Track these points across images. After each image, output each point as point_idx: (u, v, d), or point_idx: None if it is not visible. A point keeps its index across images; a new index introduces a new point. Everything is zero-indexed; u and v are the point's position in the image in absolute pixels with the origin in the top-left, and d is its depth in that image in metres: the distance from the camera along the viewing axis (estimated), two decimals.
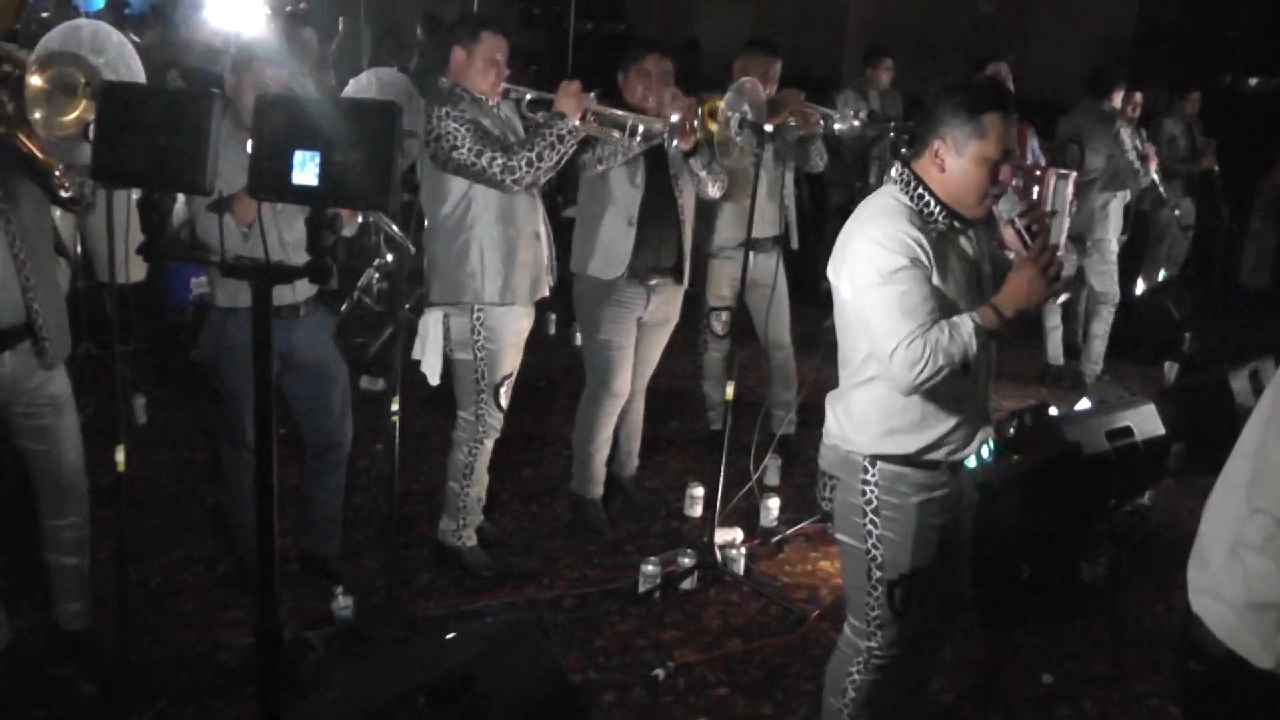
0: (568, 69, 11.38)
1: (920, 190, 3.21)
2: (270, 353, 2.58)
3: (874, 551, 3.31)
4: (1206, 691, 2.62)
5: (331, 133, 2.33)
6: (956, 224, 3.26)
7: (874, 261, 3.12)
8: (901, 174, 3.26)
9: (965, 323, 3.09)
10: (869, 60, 9.52)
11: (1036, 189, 6.21)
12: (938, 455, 3.29)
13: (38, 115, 3.54)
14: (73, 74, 3.62)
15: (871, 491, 3.29)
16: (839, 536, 3.44)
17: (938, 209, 3.20)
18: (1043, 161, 6.55)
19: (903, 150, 7.72)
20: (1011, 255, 3.34)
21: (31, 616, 4.33)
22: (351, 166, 2.32)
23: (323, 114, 2.36)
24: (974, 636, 4.81)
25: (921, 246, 3.12)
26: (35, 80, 3.53)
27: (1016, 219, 3.22)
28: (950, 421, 3.27)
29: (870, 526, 3.30)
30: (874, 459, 3.28)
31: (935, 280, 3.14)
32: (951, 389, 3.19)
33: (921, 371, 3.05)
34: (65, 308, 4.02)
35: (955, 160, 3.17)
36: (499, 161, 4.49)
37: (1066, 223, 6.40)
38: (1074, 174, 6.42)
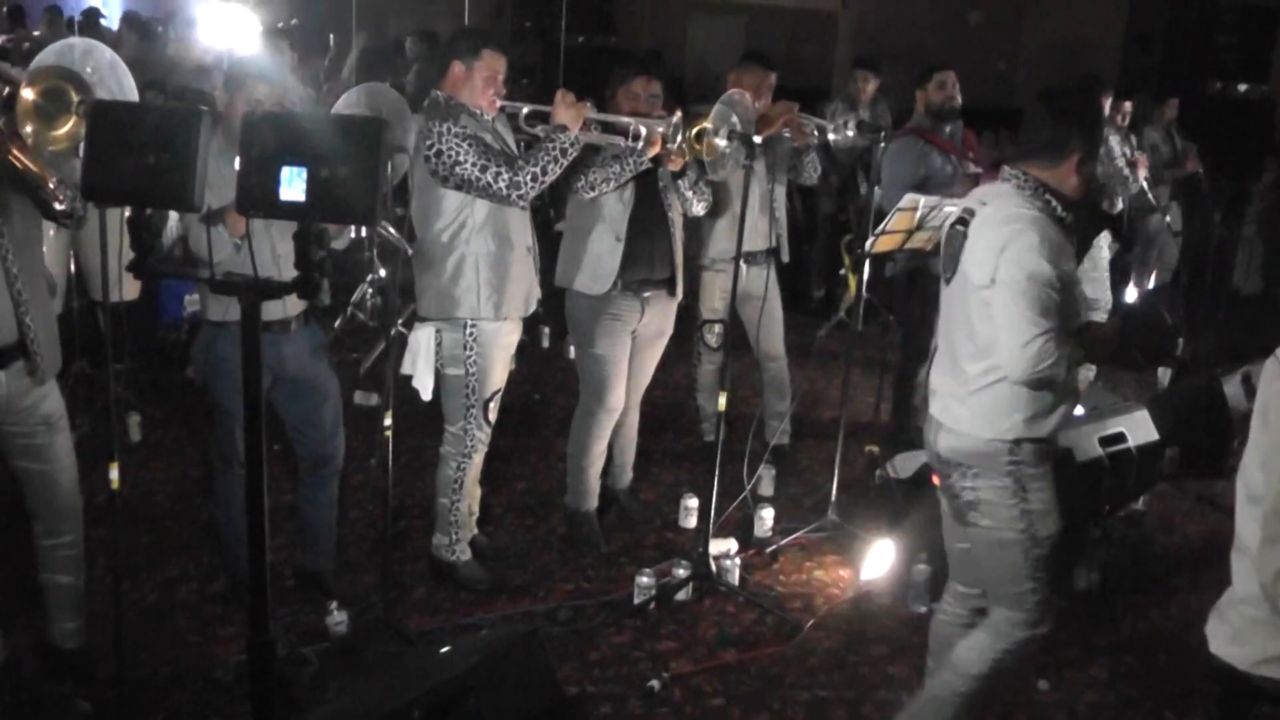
0: (559, 81, 11.42)
1: (1047, 195, 3.48)
2: (259, 368, 2.59)
3: (1029, 530, 3.53)
4: None
5: (318, 148, 2.34)
6: (1070, 221, 3.55)
7: (1027, 266, 3.36)
8: (1026, 180, 3.51)
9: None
10: (853, 73, 9.52)
11: None
12: (1056, 433, 3.60)
13: (29, 129, 3.55)
14: (65, 89, 3.64)
15: (1020, 470, 3.52)
16: (988, 532, 3.61)
17: (1063, 211, 3.49)
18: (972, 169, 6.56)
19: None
20: None
21: (27, 634, 4.32)
22: (339, 182, 2.33)
23: (310, 130, 2.37)
24: None
25: (1065, 253, 3.42)
26: (27, 94, 3.55)
27: None
28: (1069, 403, 3.59)
29: (1023, 505, 3.53)
30: (1018, 442, 3.51)
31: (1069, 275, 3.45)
32: (1071, 378, 3.53)
33: (1043, 367, 3.36)
34: (55, 322, 4.02)
35: (1086, 168, 3.50)
36: (504, 177, 4.48)
37: None
38: None
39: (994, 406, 3.53)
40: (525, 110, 4.82)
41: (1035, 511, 3.54)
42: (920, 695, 3.94)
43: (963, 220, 3.61)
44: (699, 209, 5.27)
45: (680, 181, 5.10)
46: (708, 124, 4.83)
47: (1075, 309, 3.52)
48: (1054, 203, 3.48)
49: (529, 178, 4.49)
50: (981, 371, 3.54)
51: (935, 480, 5.25)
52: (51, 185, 3.67)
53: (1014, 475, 3.53)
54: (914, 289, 6.58)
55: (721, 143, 4.82)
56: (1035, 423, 3.51)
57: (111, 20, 12.56)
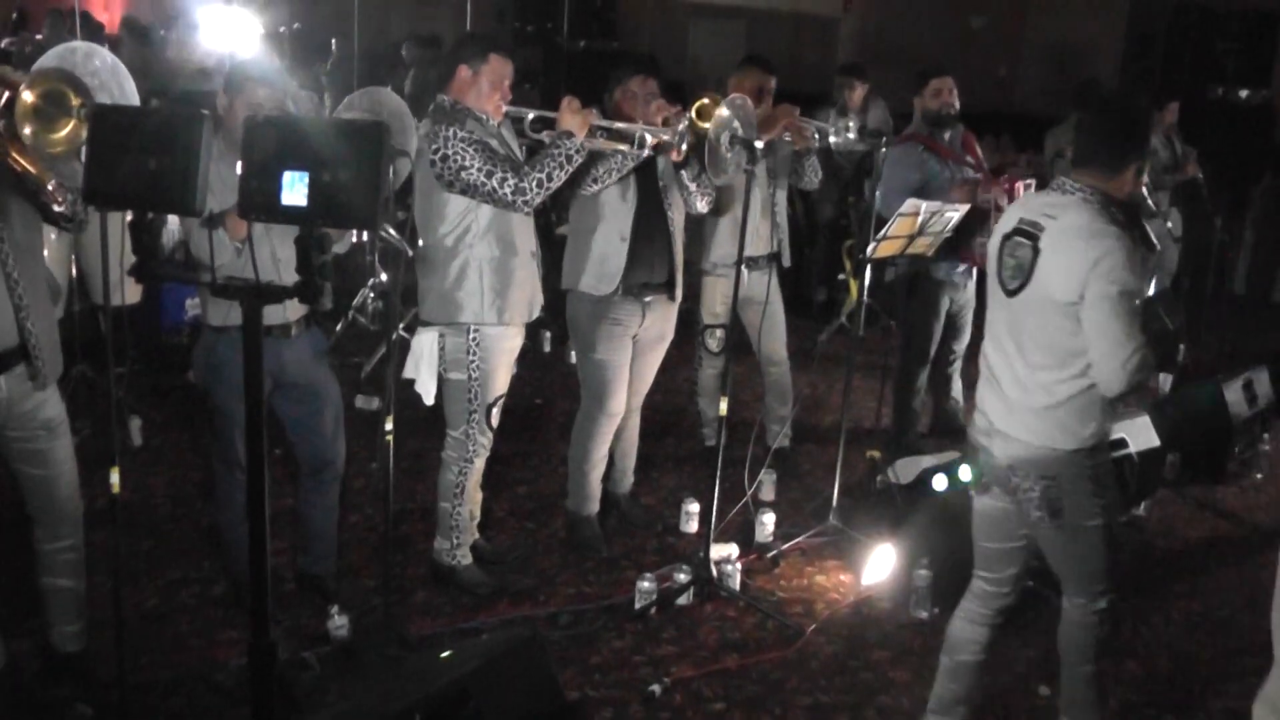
0: (561, 86, 11.43)
1: (1112, 208, 3.58)
2: (260, 372, 2.60)
3: (1106, 517, 3.73)
4: None
5: (320, 153, 2.35)
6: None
7: (1119, 281, 3.45)
8: (1093, 194, 3.60)
9: None
10: (839, 81, 9.50)
11: (1006, 201, 6.25)
12: None
13: (28, 131, 3.55)
14: (64, 91, 3.64)
15: (1098, 470, 3.70)
16: (1066, 527, 3.72)
17: (1124, 217, 3.60)
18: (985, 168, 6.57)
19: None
20: None
21: (27, 639, 4.32)
22: (340, 186, 2.33)
23: (311, 134, 2.37)
24: None
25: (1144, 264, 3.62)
26: (27, 96, 3.55)
27: None
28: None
29: (1100, 500, 3.70)
30: (1094, 449, 3.67)
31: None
32: None
33: (1139, 380, 3.52)
34: (56, 326, 4.02)
35: (1140, 178, 3.67)
36: (510, 183, 4.48)
37: None
38: (1034, 181, 6.48)
39: (1075, 417, 3.63)
40: (530, 116, 4.81)
41: (1109, 503, 3.75)
42: (1063, 689, 4.09)
43: (1025, 233, 3.66)
44: (703, 205, 5.26)
45: (683, 173, 5.08)
46: (711, 131, 4.81)
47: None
48: (1118, 214, 3.57)
49: (534, 184, 4.49)
50: (1061, 382, 3.62)
51: (935, 482, 5.29)
52: (51, 188, 3.67)
53: (1093, 477, 3.69)
54: (914, 293, 6.59)
55: (724, 146, 4.80)
56: (1107, 426, 3.72)
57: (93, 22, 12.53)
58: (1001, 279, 3.75)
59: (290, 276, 2.62)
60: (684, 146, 4.88)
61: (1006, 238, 3.71)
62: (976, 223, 6.27)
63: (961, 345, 6.90)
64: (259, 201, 2.42)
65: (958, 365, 7.01)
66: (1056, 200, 3.66)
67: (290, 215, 2.40)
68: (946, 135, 6.50)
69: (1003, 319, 3.78)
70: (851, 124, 6.07)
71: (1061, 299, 3.53)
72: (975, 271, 6.64)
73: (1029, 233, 3.63)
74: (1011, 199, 6.21)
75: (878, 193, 5.89)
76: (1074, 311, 3.51)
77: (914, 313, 6.64)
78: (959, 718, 4.10)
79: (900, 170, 6.34)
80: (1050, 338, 3.60)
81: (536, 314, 4.95)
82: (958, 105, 6.48)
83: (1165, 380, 8.08)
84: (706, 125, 4.80)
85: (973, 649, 4.04)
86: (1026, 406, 3.69)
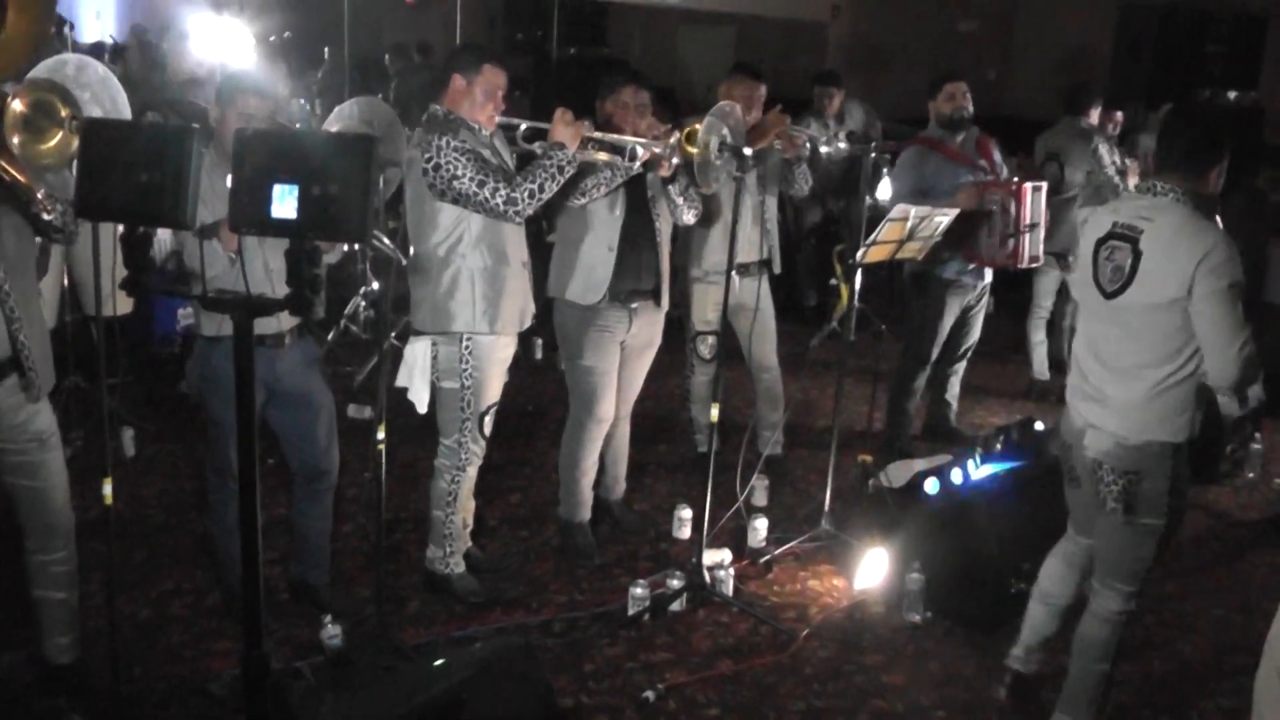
0: (552, 93, 11.44)
1: (1203, 206, 3.78)
2: (253, 383, 2.60)
3: (1171, 521, 3.90)
4: None
5: (309, 165, 2.35)
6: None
7: (1227, 275, 3.63)
8: (1184, 195, 3.78)
9: None
10: (815, 90, 9.53)
11: (1014, 204, 6.27)
12: None
13: (16, 140, 3.56)
14: (54, 102, 3.65)
15: (1177, 471, 3.85)
16: (1134, 523, 3.90)
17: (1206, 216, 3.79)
18: (1005, 173, 6.61)
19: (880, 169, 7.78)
20: None
21: (21, 650, 4.32)
22: (330, 199, 2.34)
23: (300, 147, 2.38)
24: (964, 650, 4.83)
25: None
26: (16, 105, 3.55)
27: None
28: None
29: (1172, 501, 3.87)
30: (1180, 446, 3.84)
31: None
32: None
33: (1250, 369, 3.67)
34: (48, 338, 4.02)
35: (1221, 180, 3.89)
36: (502, 193, 4.49)
37: (1043, 233, 6.47)
38: (1045, 184, 6.52)
39: (1169, 409, 3.80)
40: (523, 126, 4.82)
41: (1176, 507, 3.90)
42: (1068, 684, 4.20)
43: (1123, 236, 3.82)
44: (689, 217, 5.28)
45: (670, 188, 5.11)
46: (700, 137, 4.83)
47: None
48: (1208, 212, 3.79)
49: (526, 194, 4.50)
50: (1163, 377, 3.79)
51: (928, 486, 5.29)
52: (40, 197, 3.67)
53: (1172, 474, 3.85)
54: (921, 292, 6.60)
55: (712, 139, 4.82)
56: (1194, 423, 3.84)
57: (80, 32, 12.50)
58: (1099, 282, 3.90)
59: (284, 288, 2.63)
60: (673, 160, 4.90)
61: (1101, 242, 3.89)
62: (981, 224, 6.31)
63: (966, 348, 6.91)
64: (249, 214, 2.43)
65: (960, 369, 7.03)
66: (1150, 203, 3.84)
67: (280, 228, 2.41)
68: (959, 138, 6.52)
69: (1100, 320, 3.95)
70: (841, 132, 6.09)
71: (1168, 297, 3.70)
72: (989, 274, 6.65)
73: (1127, 236, 3.81)
74: (1019, 202, 6.25)
75: (868, 198, 5.91)
76: (1180, 307, 3.68)
77: (919, 313, 6.67)
78: (1038, 661, 4.45)
79: (904, 173, 6.44)
80: (1155, 335, 3.77)
81: (529, 323, 4.96)
82: (971, 109, 6.52)
83: None
84: (693, 150, 4.82)
85: (1063, 591, 4.33)
86: (1125, 402, 3.86)
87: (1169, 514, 3.89)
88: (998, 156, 6.69)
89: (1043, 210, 6.40)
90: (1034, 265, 6.59)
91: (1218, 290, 3.62)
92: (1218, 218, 4.09)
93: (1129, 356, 3.85)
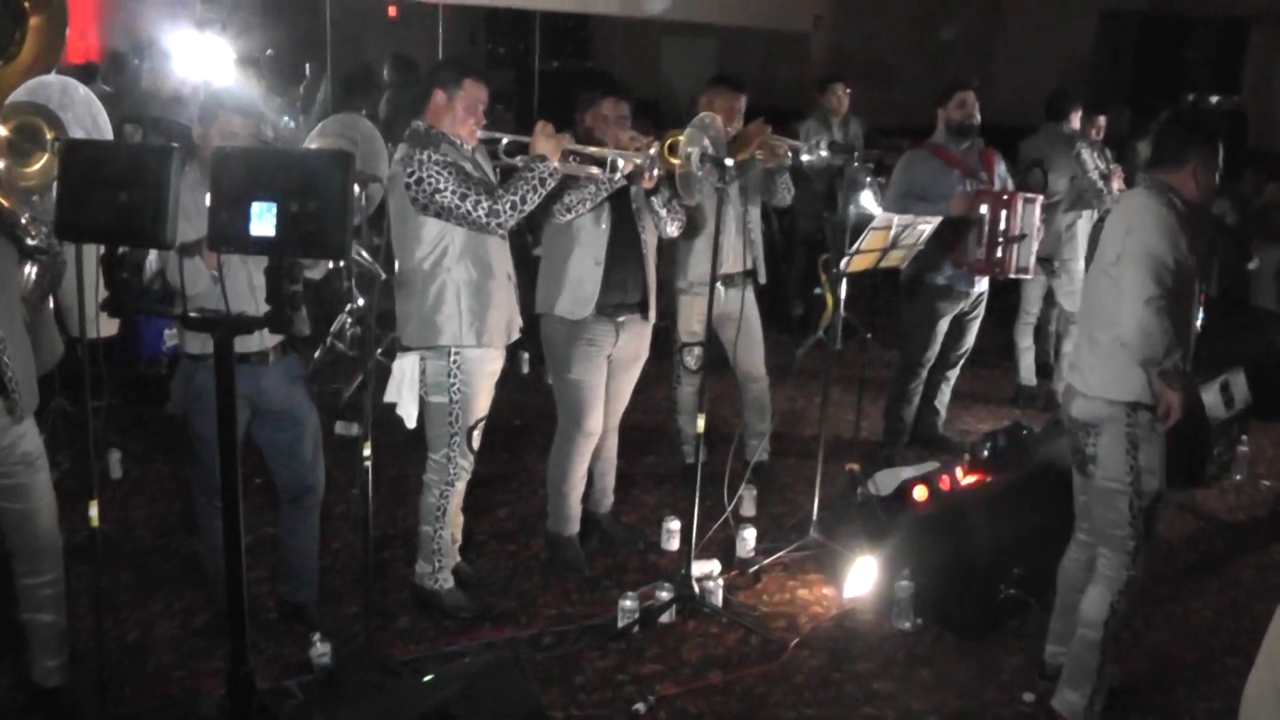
0: (534, 106, 11.45)
1: (1170, 195, 4.10)
2: (234, 402, 2.61)
3: (1134, 484, 4.14)
4: None
5: (287, 183, 2.36)
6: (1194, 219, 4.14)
7: (1144, 244, 4.00)
8: (1154, 183, 4.17)
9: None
10: (822, 89, 9.53)
11: (1005, 213, 6.30)
12: None
13: (1, 165, 3.55)
14: (38, 125, 3.65)
15: (1135, 432, 4.12)
16: (1102, 484, 4.21)
17: (1183, 207, 4.08)
18: (1010, 186, 6.65)
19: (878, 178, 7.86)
20: None
21: (9, 674, 4.31)
22: (309, 216, 2.34)
23: (278, 165, 2.39)
24: (954, 656, 4.84)
25: (1180, 239, 4.01)
26: (0, 131, 3.55)
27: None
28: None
29: (1131, 462, 4.13)
30: (1135, 407, 4.11)
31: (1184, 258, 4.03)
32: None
33: (1155, 326, 3.94)
34: (33, 358, 4.01)
35: (1202, 176, 4.12)
36: (484, 205, 4.50)
37: (1035, 245, 6.51)
38: (1040, 198, 6.57)
39: (1117, 371, 4.12)
40: (505, 140, 4.83)
41: (1142, 469, 4.13)
42: (1069, 652, 4.40)
43: (1103, 218, 4.40)
44: (673, 229, 5.29)
45: (654, 200, 5.11)
46: (682, 148, 4.85)
47: (1189, 295, 4.11)
48: (1175, 200, 4.08)
49: (508, 206, 4.51)
50: (1110, 340, 4.13)
51: (916, 493, 5.30)
52: (24, 221, 3.67)
53: (1129, 436, 4.12)
54: (913, 298, 6.63)
55: (693, 150, 4.83)
56: (1149, 390, 4.07)
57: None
58: (1088, 258, 4.47)
59: (265, 305, 2.63)
60: (655, 172, 4.91)
61: (1096, 224, 4.27)
62: (971, 232, 6.33)
63: (959, 353, 6.92)
64: (229, 233, 2.44)
65: (953, 373, 7.04)
66: (1130, 191, 4.44)
67: (259, 246, 2.41)
68: (964, 146, 6.56)
69: (1085, 291, 4.44)
70: (822, 141, 6.10)
71: (1108, 260, 4.14)
72: (985, 282, 6.67)
73: (1105, 216, 4.30)
74: (1010, 213, 6.29)
75: (851, 206, 5.92)
76: (1115, 271, 4.08)
77: (910, 319, 6.69)
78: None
79: (900, 175, 6.49)
80: (1102, 299, 4.17)
81: (515, 336, 4.96)
82: (979, 117, 6.56)
83: None
84: (675, 161, 4.84)
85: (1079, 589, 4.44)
86: (1088, 363, 4.24)
87: (1134, 481, 4.13)
88: (1001, 170, 6.72)
89: (1035, 222, 6.45)
90: (1022, 275, 6.62)
91: (1135, 255, 4.01)
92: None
93: (1090, 319, 4.30)
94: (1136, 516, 4.16)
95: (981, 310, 6.82)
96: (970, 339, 6.89)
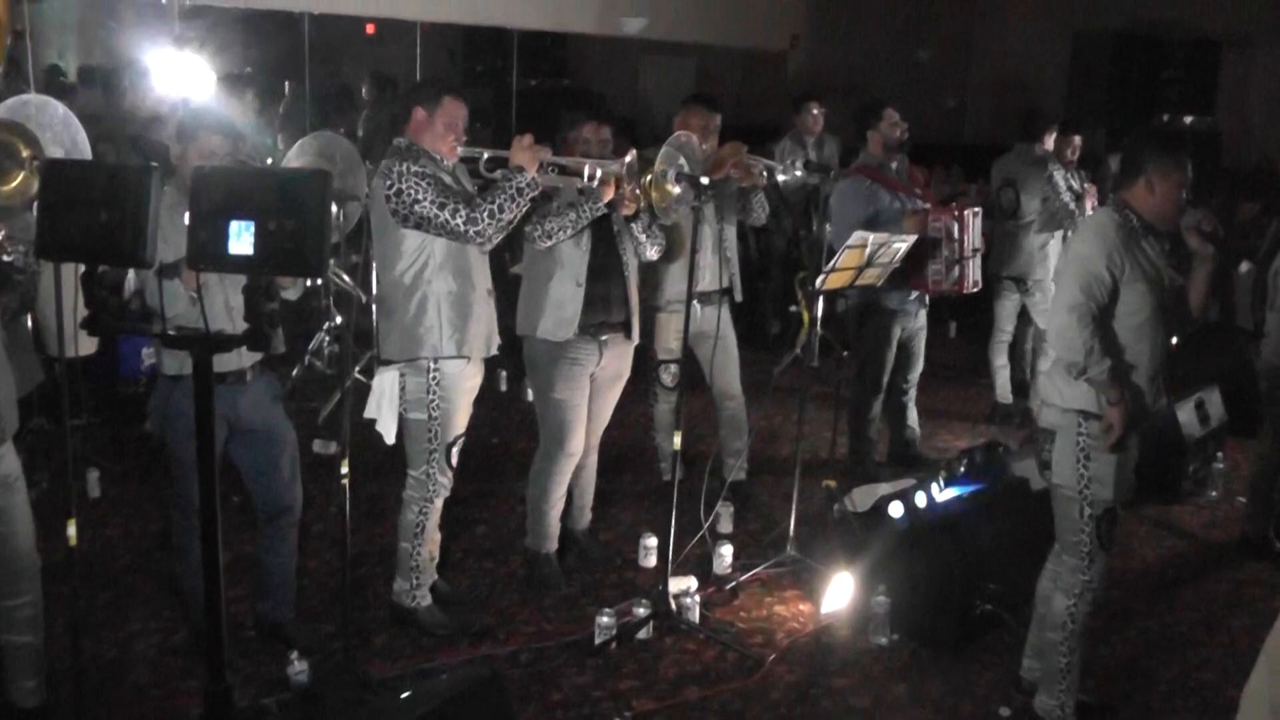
0: (512, 124, 11.47)
1: (1126, 210, 4.20)
2: (213, 421, 2.62)
3: (1084, 491, 4.21)
4: None
5: (265, 202, 2.37)
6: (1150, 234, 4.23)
7: (1075, 252, 4.20)
8: (1115, 199, 4.28)
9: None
10: (797, 108, 9.57)
11: (957, 228, 6.35)
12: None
13: None
14: (15, 143, 3.65)
15: (1085, 440, 4.18)
16: (1057, 489, 4.31)
17: (1137, 222, 4.19)
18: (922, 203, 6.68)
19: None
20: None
21: None
22: (287, 234, 2.36)
23: (256, 184, 2.40)
24: (930, 671, 4.86)
25: (1118, 251, 4.09)
26: None
27: (1202, 224, 4.38)
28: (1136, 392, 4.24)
29: (1082, 470, 4.19)
30: (1085, 416, 4.18)
31: (1126, 273, 4.11)
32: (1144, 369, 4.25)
33: (1070, 339, 4.09)
34: (13, 381, 4.01)
35: (1156, 190, 4.17)
36: (462, 213, 4.53)
37: (980, 258, 6.63)
38: (981, 210, 6.72)
39: (1064, 379, 4.21)
40: (485, 156, 4.87)
41: (1092, 478, 4.20)
42: (1041, 666, 4.51)
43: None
44: (653, 253, 5.31)
45: (634, 225, 5.14)
46: (657, 168, 4.88)
47: (1130, 308, 4.15)
48: (1131, 216, 4.18)
49: (486, 214, 4.54)
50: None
51: (892, 510, 5.33)
52: (1, 239, 3.67)
53: (1080, 445, 4.20)
54: (866, 323, 6.67)
55: (673, 189, 4.87)
56: (1097, 399, 4.14)
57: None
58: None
59: (243, 324, 2.65)
60: (633, 188, 4.94)
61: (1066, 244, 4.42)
62: (928, 251, 6.36)
63: (915, 374, 7.00)
64: (207, 251, 2.45)
65: (912, 394, 7.10)
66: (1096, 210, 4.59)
67: (238, 264, 2.43)
68: (894, 165, 6.59)
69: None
70: (798, 160, 6.14)
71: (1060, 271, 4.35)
72: (927, 300, 6.73)
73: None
74: (961, 225, 6.33)
75: (828, 225, 5.96)
76: (1058, 284, 4.27)
77: (866, 343, 6.72)
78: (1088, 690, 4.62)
79: (849, 204, 6.42)
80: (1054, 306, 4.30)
81: (494, 350, 4.97)
82: (907, 133, 6.59)
83: None
84: (649, 181, 4.88)
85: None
86: (1048, 373, 4.34)
87: (1084, 489, 4.20)
88: (923, 179, 6.78)
89: (980, 235, 6.52)
90: (975, 290, 6.68)
91: (1068, 263, 4.24)
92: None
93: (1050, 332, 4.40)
94: (1089, 523, 4.22)
95: (925, 328, 6.89)
96: (921, 359, 6.97)
